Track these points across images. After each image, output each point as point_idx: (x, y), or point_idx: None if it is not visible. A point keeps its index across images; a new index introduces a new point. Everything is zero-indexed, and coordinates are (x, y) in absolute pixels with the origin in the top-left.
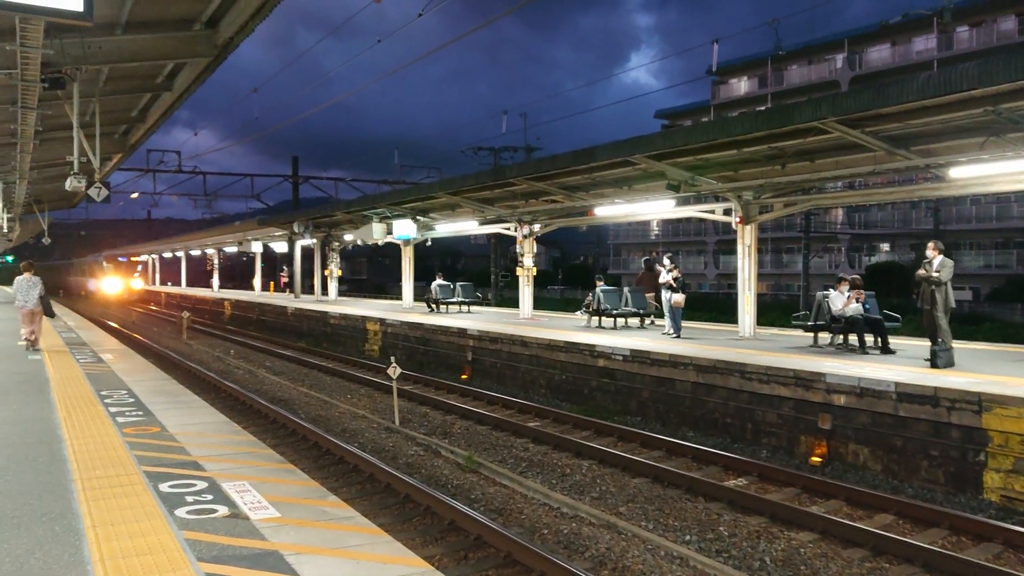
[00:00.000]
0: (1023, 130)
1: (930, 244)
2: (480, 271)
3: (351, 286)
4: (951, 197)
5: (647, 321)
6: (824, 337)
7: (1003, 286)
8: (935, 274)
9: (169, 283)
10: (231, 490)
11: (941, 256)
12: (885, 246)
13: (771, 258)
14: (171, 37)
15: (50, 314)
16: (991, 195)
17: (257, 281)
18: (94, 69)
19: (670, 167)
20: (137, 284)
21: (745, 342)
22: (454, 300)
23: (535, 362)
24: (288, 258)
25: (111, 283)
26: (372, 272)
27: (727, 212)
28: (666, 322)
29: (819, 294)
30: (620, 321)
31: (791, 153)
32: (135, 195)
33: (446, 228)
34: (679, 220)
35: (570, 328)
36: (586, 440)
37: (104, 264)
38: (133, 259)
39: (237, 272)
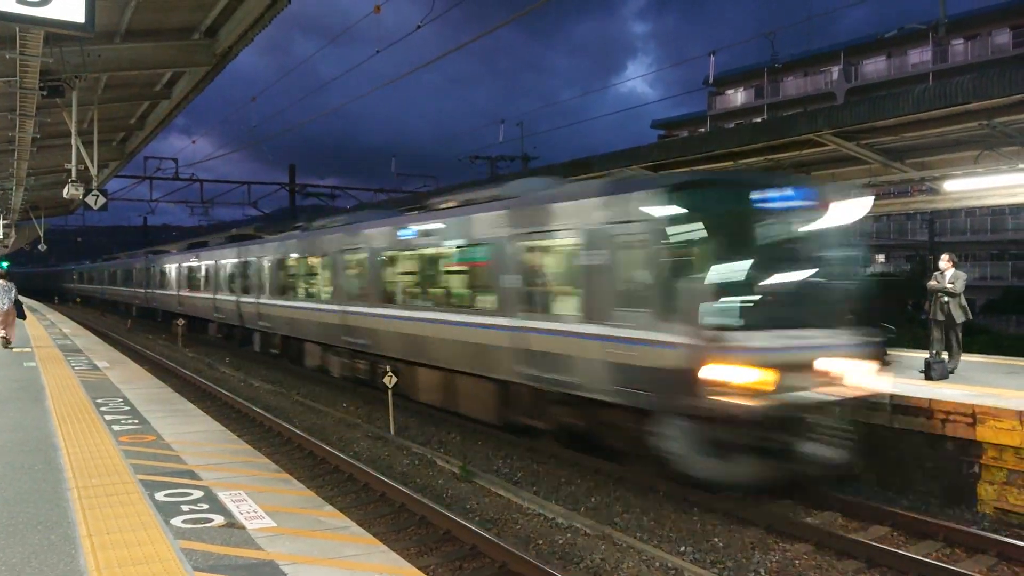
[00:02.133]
0: (1017, 143)
1: (944, 256)
2: None
3: None
4: (946, 209)
5: None
6: None
7: (998, 298)
8: (949, 285)
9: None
10: (227, 499)
11: (954, 268)
12: (880, 257)
13: None
14: (170, 46)
15: (21, 316)
16: (986, 207)
17: None
18: (93, 77)
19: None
20: None
21: None
22: None
23: None
24: None
25: None
26: None
27: None
28: None
29: None
30: None
31: (787, 165)
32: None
33: None
34: None
35: None
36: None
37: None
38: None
39: None
